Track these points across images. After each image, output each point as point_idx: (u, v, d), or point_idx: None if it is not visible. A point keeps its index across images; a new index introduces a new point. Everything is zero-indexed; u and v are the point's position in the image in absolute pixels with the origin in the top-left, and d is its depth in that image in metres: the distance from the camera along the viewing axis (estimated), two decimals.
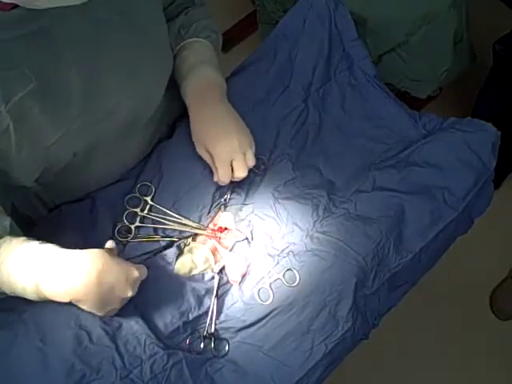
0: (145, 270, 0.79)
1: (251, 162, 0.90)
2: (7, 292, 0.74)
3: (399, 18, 1.41)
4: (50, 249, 0.74)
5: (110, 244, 0.79)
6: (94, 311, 0.76)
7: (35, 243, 0.74)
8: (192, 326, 0.84)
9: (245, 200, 0.95)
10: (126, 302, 0.78)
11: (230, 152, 0.88)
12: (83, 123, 0.77)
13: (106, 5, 0.74)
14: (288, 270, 0.87)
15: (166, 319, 0.83)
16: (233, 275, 0.87)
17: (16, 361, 0.77)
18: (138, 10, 0.78)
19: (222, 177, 0.89)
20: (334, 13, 1.07)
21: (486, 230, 1.49)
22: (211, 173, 0.95)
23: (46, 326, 0.79)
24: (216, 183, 0.94)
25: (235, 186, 0.96)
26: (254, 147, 0.91)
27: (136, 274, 0.76)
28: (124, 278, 0.74)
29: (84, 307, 0.75)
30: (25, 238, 0.75)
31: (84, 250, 0.74)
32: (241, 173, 0.89)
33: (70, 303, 0.74)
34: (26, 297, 0.74)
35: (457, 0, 1.41)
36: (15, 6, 0.63)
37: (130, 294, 0.76)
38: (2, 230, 0.75)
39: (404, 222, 0.91)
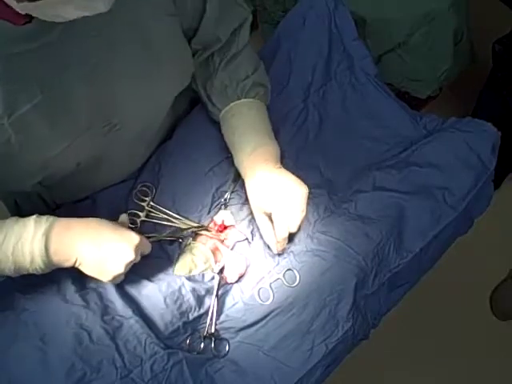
0: (148, 244, 0.81)
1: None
2: (11, 269, 0.74)
3: (399, 18, 1.41)
4: (52, 217, 0.76)
5: (121, 219, 0.84)
6: (96, 276, 0.78)
7: (33, 216, 0.75)
8: (192, 326, 0.84)
9: (245, 200, 0.95)
10: (129, 268, 0.79)
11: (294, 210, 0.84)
12: (88, 136, 0.77)
13: (118, 19, 0.72)
14: (288, 270, 0.87)
15: (167, 319, 0.83)
16: (231, 274, 0.87)
17: (16, 361, 0.77)
18: (149, 26, 0.77)
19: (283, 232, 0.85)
20: (333, 13, 1.07)
21: (486, 230, 1.49)
22: (211, 173, 0.95)
23: (46, 325, 0.79)
24: (215, 183, 0.95)
25: (235, 186, 0.96)
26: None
27: (136, 238, 0.77)
28: (124, 241, 0.76)
29: (86, 271, 0.77)
30: (15, 217, 0.76)
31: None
32: (293, 227, 0.85)
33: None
34: (33, 266, 0.74)
35: (457, 0, 1.41)
36: (28, 21, 0.62)
37: (131, 257, 0.76)
38: None
39: (404, 222, 0.91)
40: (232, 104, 0.93)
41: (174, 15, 0.81)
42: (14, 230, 0.73)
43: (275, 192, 0.84)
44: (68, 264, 0.77)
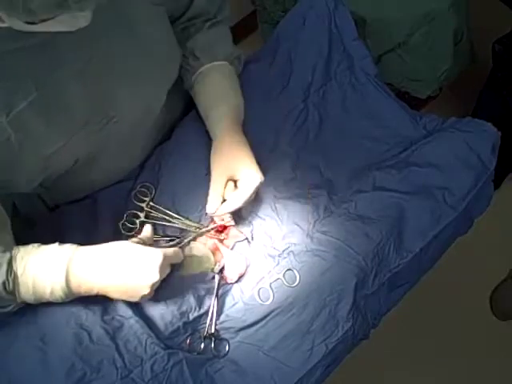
0: (177, 252, 0.80)
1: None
2: (31, 299, 0.74)
3: (399, 18, 1.41)
4: (73, 246, 0.75)
5: (145, 232, 0.83)
6: (124, 299, 0.77)
7: (54, 245, 0.75)
8: (192, 326, 0.84)
9: None
10: (157, 286, 0.77)
11: (255, 179, 0.86)
12: (85, 132, 0.77)
13: (110, 18, 0.74)
14: (288, 270, 0.87)
15: (167, 319, 0.83)
16: (231, 274, 0.87)
17: (16, 361, 0.77)
18: (140, 22, 0.78)
19: (244, 201, 0.86)
20: (333, 13, 1.07)
21: (486, 230, 1.49)
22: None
23: (46, 325, 0.79)
24: None
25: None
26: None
27: (160, 257, 0.75)
28: (147, 263, 0.75)
29: (112, 297, 0.77)
30: (37, 244, 0.75)
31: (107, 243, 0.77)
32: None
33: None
34: (53, 296, 0.74)
35: (457, 0, 1.41)
36: None
37: (156, 278, 0.75)
38: (7, 245, 0.74)
39: (404, 222, 0.91)
40: (203, 67, 0.95)
41: (160, 4, 0.83)
42: (35, 259, 0.72)
43: (243, 166, 0.87)
44: (90, 294, 0.76)
